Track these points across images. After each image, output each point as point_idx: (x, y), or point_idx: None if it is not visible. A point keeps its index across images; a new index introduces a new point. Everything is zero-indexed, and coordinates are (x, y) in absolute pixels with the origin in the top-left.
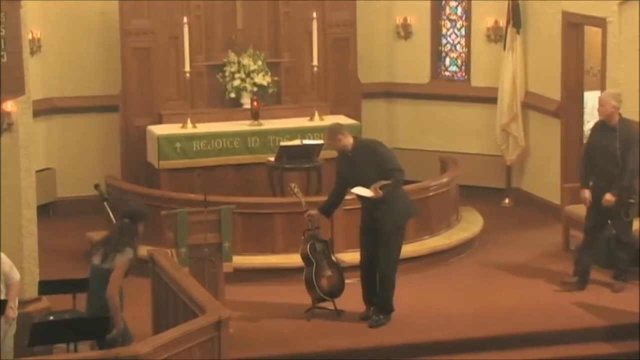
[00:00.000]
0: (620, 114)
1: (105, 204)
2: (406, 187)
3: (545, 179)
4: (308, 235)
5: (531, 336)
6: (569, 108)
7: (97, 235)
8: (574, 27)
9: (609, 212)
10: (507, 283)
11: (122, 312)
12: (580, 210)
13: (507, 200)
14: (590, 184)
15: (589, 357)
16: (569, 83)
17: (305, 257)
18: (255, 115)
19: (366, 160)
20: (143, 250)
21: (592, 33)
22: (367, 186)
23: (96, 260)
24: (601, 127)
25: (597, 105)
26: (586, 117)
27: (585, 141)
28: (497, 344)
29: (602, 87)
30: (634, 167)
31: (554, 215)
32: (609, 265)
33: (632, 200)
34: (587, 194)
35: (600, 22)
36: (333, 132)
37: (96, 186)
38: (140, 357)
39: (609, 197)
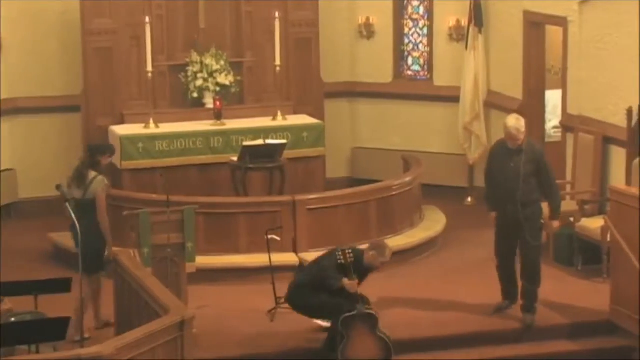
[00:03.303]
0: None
1: (66, 204)
2: (369, 187)
3: None
4: None
5: (495, 334)
6: (530, 107)
7: (58, 236)
8: (535, 26)
9: (517, 237)
10: (471, 281)
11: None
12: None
13: (469, 199)
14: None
15: (553, 354)
16: (531, 82)
17: None
18: (218, 115)
19: None
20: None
21: (553, 32)
22: None
23: (77, 194)
24: (504, 150)
25: (558, 104)
26: (548, 115)
27: (546, 141)
28: (462, 342)
29: (564, 86)
30: (555, 183)
31: None
32: (569, 262)
33: (542, 221)
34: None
35: (561, 21)
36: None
37: (57, 187)
38: (103, 357)
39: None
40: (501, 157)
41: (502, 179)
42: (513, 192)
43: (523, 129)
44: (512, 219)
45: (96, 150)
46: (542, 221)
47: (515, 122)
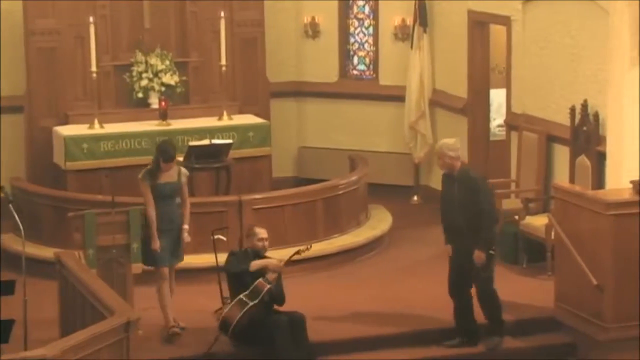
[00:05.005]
0: (461, 162)
1: (10, 206)
2: (315, 186)
3: None
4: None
5: (440, 332)
6: (475, 105)
7: (3, 238)
8: (479, 25)
9: (464, 269)
10: (416, 280)
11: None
12: None
13: (415, 198)
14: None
15: (497, 351)
16: (475, 81)
17: None
18: (163, 115)
19: None
20: (50, 252)
21: (497, 31)
22: None
23: None
24: (448, 178)
25: (503, 103)
26: (492, 114)
27: (491, 139)
28: (407, 340)
29: (508, 85)
30: (490, 215)
31: None
32: (514, 260)
33: (492, 252)
34: (449, 249)
35: (505, 21)
36: None
37: (1, 188)
38: None
39: (477, 255)
40: (446, 185)
41: (445, 208)
42: (454, 221)
43: (451, 152)
44: (458, 250)
45: (157, 149)
46: (492, 251)
47: (442, 143)
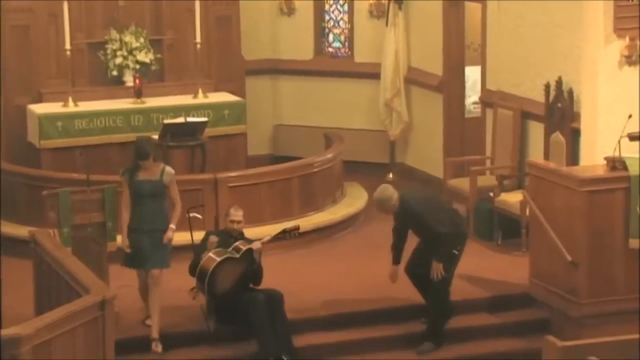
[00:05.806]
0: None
1: None
2: (291, 164)
3: (428, 153)
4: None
5: (415, 309)
6: (450, 83)
7: None
8: (454, 2)
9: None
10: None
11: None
12: (463, 184)
13: (391, 175)
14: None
15: (473, 327)
16: (451, 58)
17: None
18: (138, 93)
19: None
20: (24, 231)
21: (472, 9)
22: None
23: None
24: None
25: (478, 80)
26: (467, 91)
27: (466, 116)
28: (384, 317)
29: (483, 62)
30: (445, 235)
31: (437, 189)
32: (489, 237)
33: (455, 252)
34: (395, 271)
35: None
36: None
37: None
38: (22, 338)
39: (435, 266)
40: (394, 218)
41: (415, 230)
42: (426, 237)
43: (392, 202)
44: (424, 244)
45: (135, 153)
46: (455, 251)
47: (386, 196)
